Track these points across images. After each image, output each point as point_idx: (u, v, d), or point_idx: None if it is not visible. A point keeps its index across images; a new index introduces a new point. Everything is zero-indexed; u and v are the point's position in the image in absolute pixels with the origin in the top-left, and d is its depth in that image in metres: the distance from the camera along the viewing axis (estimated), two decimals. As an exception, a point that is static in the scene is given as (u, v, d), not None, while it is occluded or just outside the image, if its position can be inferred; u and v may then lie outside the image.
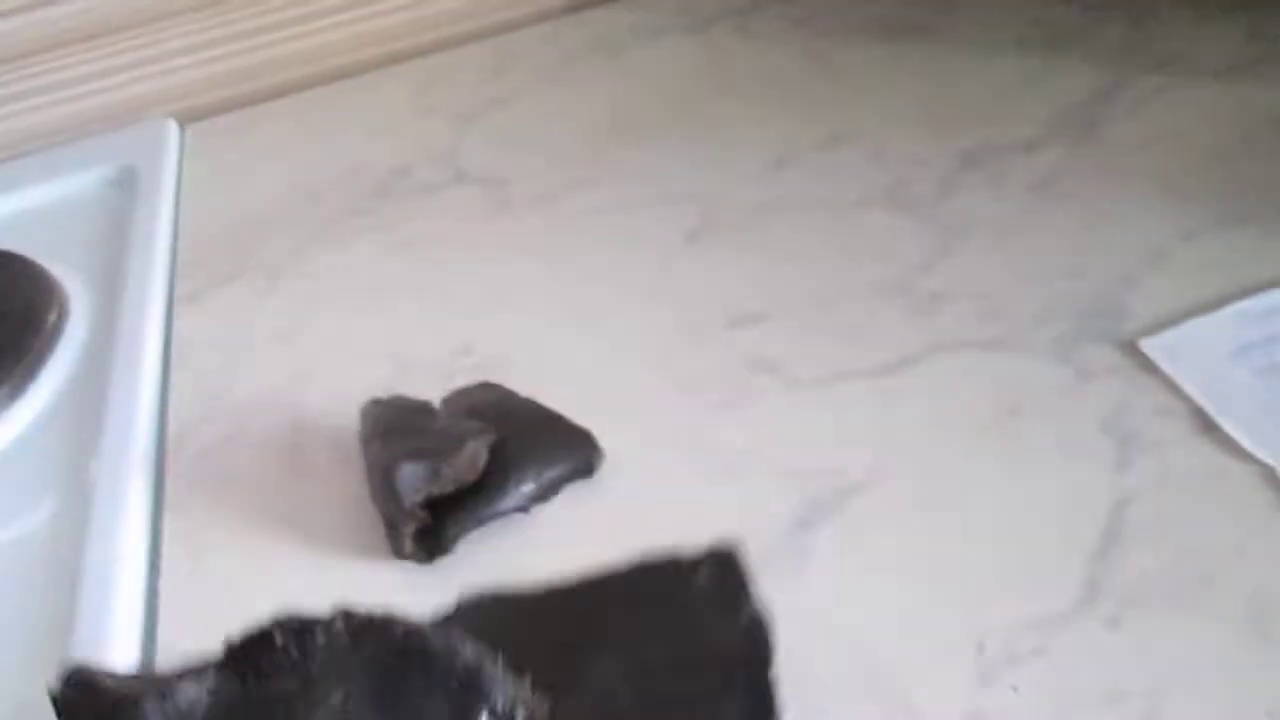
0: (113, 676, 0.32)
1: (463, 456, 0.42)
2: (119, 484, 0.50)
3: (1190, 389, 0.44)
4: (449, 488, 0.42)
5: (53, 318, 0.60)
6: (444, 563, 0.43)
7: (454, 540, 0.43)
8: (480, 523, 0.44)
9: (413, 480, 0.42)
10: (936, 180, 0.58)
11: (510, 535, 0.44)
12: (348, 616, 0.30)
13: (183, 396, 0.55)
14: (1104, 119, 0.60)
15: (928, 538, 0.42)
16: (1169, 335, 0.46)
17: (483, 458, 0.43)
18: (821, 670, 0.38)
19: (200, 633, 0.44)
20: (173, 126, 0.74)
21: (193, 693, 0.29)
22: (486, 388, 0.48)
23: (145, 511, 0.49)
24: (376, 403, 0.47)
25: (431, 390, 0.49)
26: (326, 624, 0.30)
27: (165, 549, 0.47)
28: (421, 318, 0.56)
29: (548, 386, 0.48)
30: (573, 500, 0.45)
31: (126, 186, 0.70)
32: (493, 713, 0.29)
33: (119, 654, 0.43)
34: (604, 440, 0.46)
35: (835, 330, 0.51)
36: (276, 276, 0.61)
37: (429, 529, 0.43)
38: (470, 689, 0.29)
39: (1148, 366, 0.46)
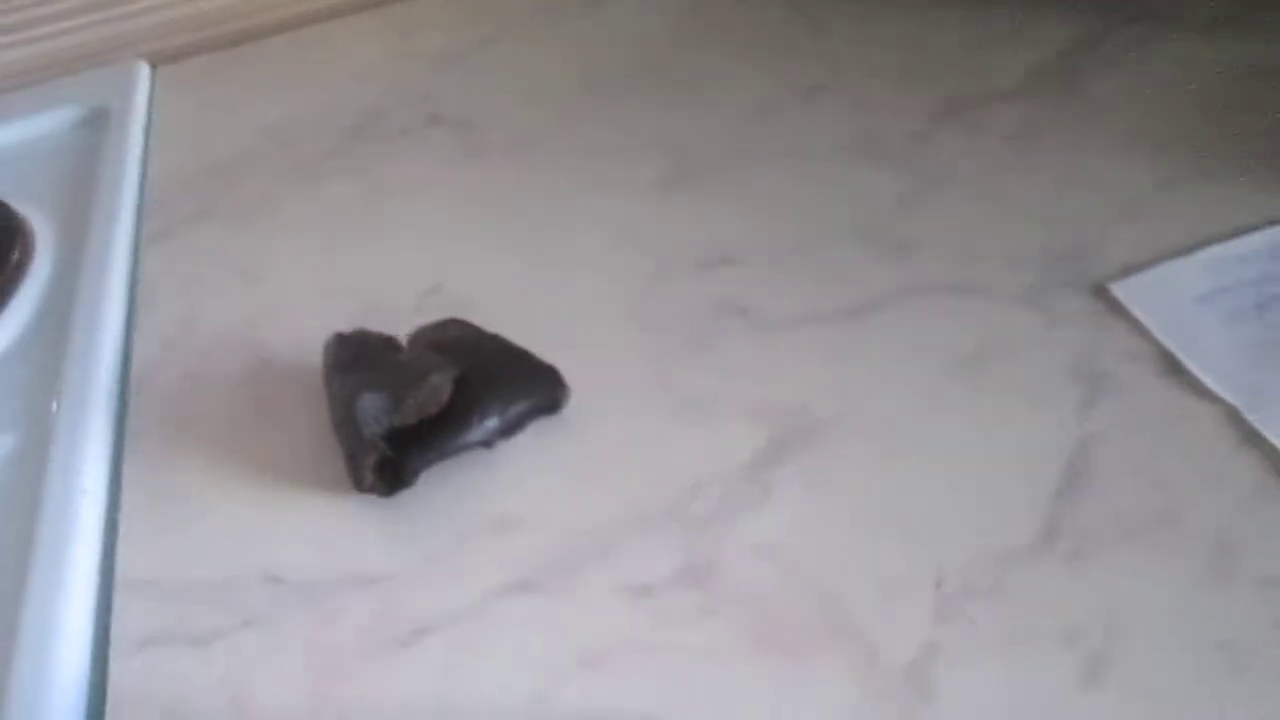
0: None
1: (425, 388, 0.42)
2: (80, 419, 0.49)
3: (1158, 332, 0.44)
4: (411, 419, 0.42)
5: (16, 256, 0.59)
6: (405, 496, 0.43)
7: (415, 473, 0.42)
8: (443, 456, 0.43)
9: (373, 410, 0.41)
10: (913, 129, 0.58)
11: (473, 470, 0.44)
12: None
13: (148, 335, 0.54)
14: (1083, 70, 0.59)
15: (890, 476, 0.41)
16: (1139, 279, 0.46)
17: (446, 391, 0.43)
18: (780, 604, 0.38)
19: (158, 565, 0.44)
20: (144, 68, 0.73)
21: None
22: (453, 324, 0.47)
23: (106, 446, 0.49)
24: (341, 337, 0.47)
25: (399, 329, 0.48)
26: None
27: (126, 483, 0.47)
28: (391, 258, 0.56)
29: (516, 326, 0.47)
30: (538, 436, 0.45)
31: (96, 127, 0.69)
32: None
33: (77, 584, 0.43)
34: (571, 378, 0.46)
35: (806, 274, 0.51)
36: (245, 217, 0.60)
37: (391, 462, 0.42)
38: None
39: (1117, 310, 0.45)
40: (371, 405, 0.41)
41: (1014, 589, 0.37)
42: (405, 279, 0.54)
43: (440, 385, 0.43)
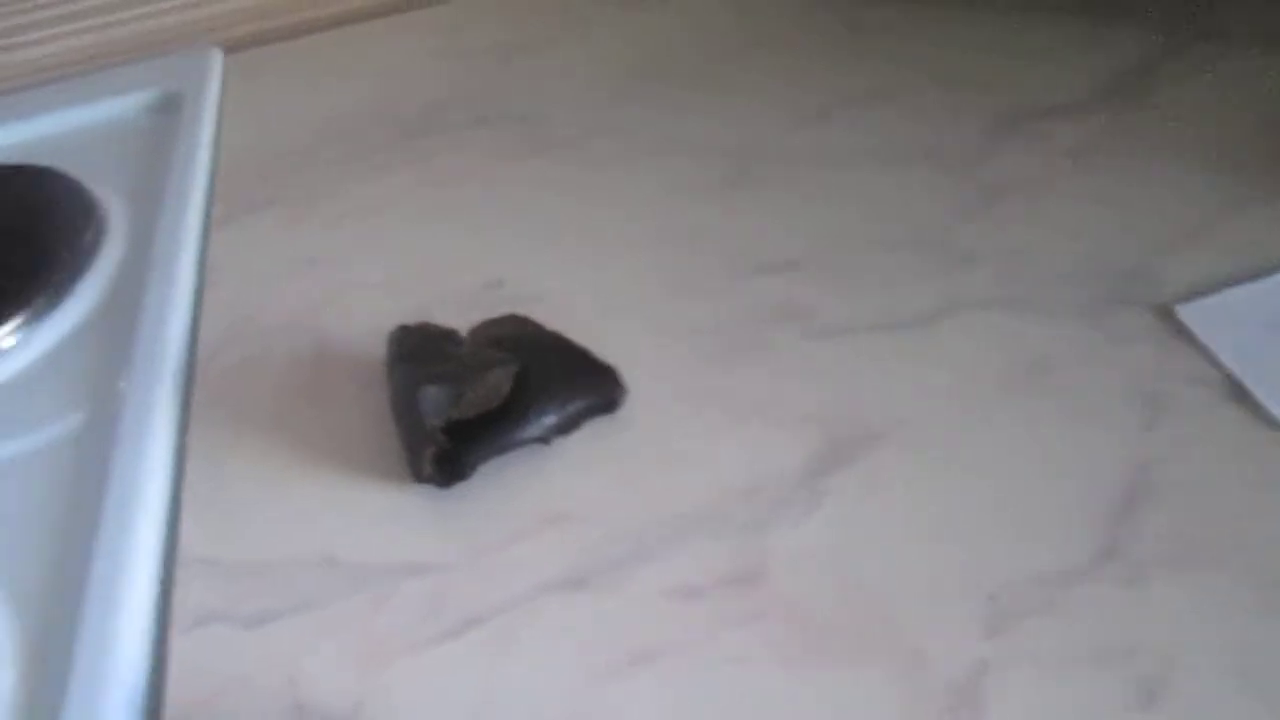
0: None
1: (486, 383, 0.43)
2: (148, 397, 0.50)
3: (1225, 358, 0.43)
4: (470, 413, 0.43)
5: (90, 235, 0.61)
6: (461, 488, 0.44)
7: (473, 466, 0.43)
8: (500, 450, 0.44)
9: (435, 403, 0.42)
10: (976, 140, 0.57)
11: (529, 465, 0.44)
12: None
13: (213, 317, 0.55)
14: (1152, 86, 0.58)
15: (945, 490, 0.41)
16: (1207, 303, 0.45)
17: (506, 386, 0.43)
18: (830, 613, 0.38)
19: (219, 544, 0.45)
20: (217, 55, 0.75)
21: None
22: (514, 320, 0.48)
23: (171, 426, 0.50)
24: (404, 329, 0.47)
25: (459, 322, 0.49)
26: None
27: (189, 462, 0.48)
28: (452, 251, 0.56)
29: (574, 323, 0.48)
30: (593, 435, 0.45)
31: (169, 111, 0.70)
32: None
33: (141, 561, 0.44)
34: (627, 378, 0.46)
35: (863, 282, 0.50)
36: (310, 206, 0.61)
37: (449, 454, 0.43)
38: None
39: (1182, 333, 0.45)
40: (433, 397, 0.42)
41: (1069, 609, 0.37)
42: (465, 272, 0.54)
43: (500, 380, 0.43)
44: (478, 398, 0.43)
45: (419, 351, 0.46)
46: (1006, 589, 0.38)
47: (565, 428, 0.44)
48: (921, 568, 0.39)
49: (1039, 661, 0.36)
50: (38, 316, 0.57)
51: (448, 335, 0.47)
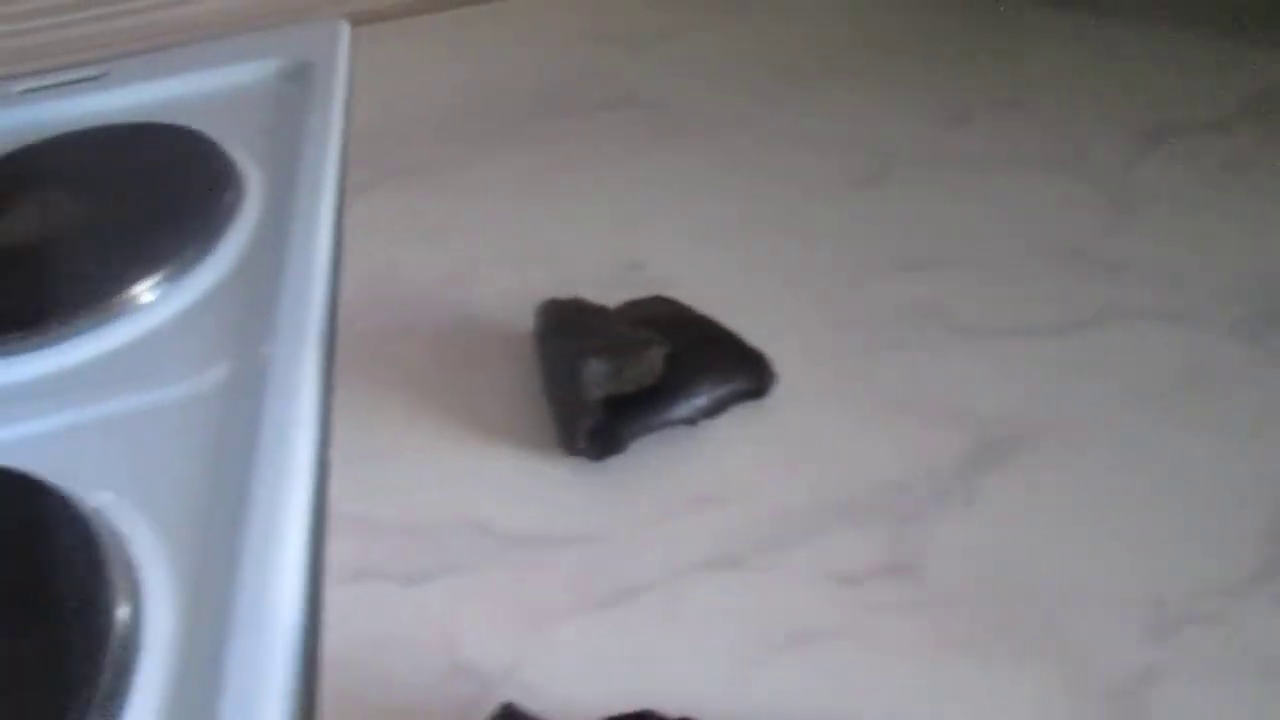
0: None
1: (644, 360, 0.43)
2: (294, 357, 0.51)
3: (1390, 380, 0.43)
4: (629, 388, 0.43)
5: (230, 196, 0.62)
6: (608, 465, 0.44)
7: (627, 441, 0.43)
8: (649, 429, 0.44)
9: (597, 375, 0.42)
10: (1121, 151, 0.57)
11: (675, 445, 0.45)
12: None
13: (353, 283, 0.56)
14: (1304, 106, 0.58)
15: (1102, 495, 0.41)
16: (1369, 325, 0.45)
17: (660, 365, 0.44)
18: (989, 609, 0.38)
19: (368, 503, 0.46)
20: (345, 26, 0.76)
21: None
22: (661, 301, 0.48)
23: (317, 385, 0.51)
24: (554, 302, 0.48)
25: (601, 300, 0.49)
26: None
27: (335, 424, 0.49)
28: (585, 231, 0.57)
29: (715, 309, 0.48)
30: (740, 420, 0.45)
31: (299, 80, 0.72)
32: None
33: (293, 513, 0.45)
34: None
35: (1008, 286, 0.50)
36: (446, 177, 0.62)
37: (601, 428, 0.43)
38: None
39: (1343, 355, 0.44)
40: (595, 370, 0.42)
41: (1237, 621, 0.37)
42: (603, 252, 0.55)
43: (655, 359, 0.43)
44: (636, 374, 0.43)
45: (572, 325, 0.46)
46: (1173, 596, 0.37)
47: (713, 411, 0.45)
48: (1082, 570, 0.39)
49: (1208, 672, 0.35)
50: (178, 273, 0.58)
51: (598, 311, 0.47)
